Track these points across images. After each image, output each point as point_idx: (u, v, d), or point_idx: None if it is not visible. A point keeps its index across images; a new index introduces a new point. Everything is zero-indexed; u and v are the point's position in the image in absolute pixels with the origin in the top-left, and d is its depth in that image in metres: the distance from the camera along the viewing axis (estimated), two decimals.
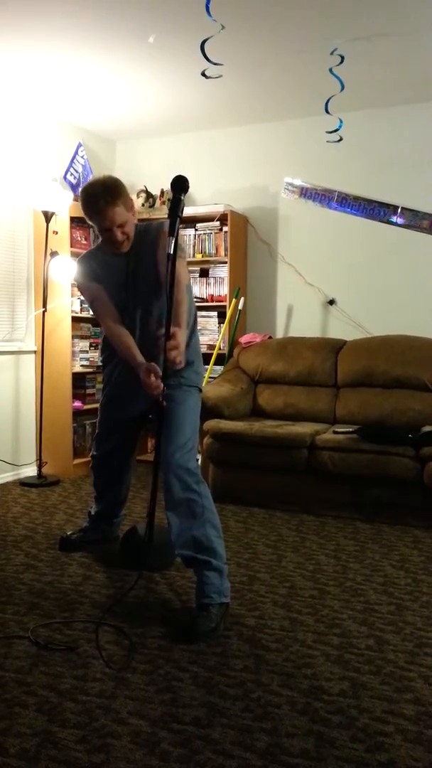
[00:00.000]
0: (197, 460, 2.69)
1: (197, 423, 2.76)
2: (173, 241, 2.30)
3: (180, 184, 2.33)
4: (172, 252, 2.30)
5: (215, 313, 5.09)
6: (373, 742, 1.77)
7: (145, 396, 2.65)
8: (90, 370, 4.94)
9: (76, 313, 4.77)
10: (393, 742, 1.78)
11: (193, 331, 2.78)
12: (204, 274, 5.16)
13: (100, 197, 2.50)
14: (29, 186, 4.56)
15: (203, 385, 2.91)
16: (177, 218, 2.30)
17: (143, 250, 2.66)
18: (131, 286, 2.69)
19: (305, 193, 4.98)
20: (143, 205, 5.07)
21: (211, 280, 5.11)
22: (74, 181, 4.95)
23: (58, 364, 4.65)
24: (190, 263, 5.05)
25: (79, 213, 4.68)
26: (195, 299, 5.05)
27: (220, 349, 4.95)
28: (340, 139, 4.31)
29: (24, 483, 4.47)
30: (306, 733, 1.81)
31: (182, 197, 2.35)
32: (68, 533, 3.30)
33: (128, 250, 2.67)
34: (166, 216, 5.09)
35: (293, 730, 1.82)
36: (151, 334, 2.73)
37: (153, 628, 2.43)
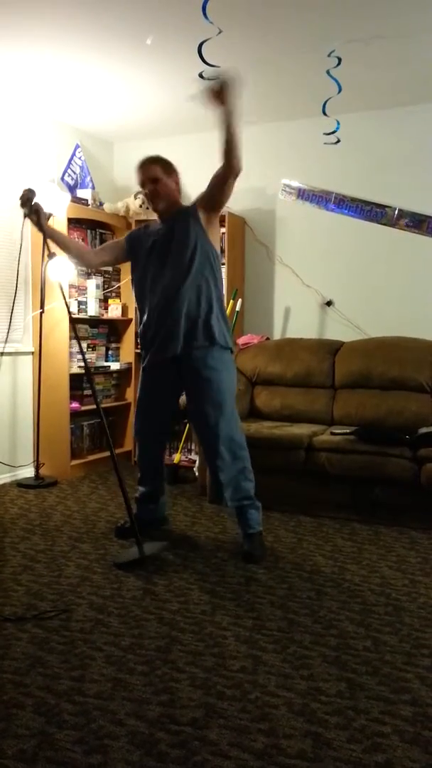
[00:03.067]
0: (239, 425, 3.21)
1: (234, 387, 3.22)
2: None
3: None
4: None
5: None
6: (370, 743, 1.77)
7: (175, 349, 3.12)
8: None
9: (74, 314, 4.77)
10: (390, 743, 1.78)
11: (218, 298, 3.17)
12: None
13: (145, 159, 3.20)
14: (27, 187, 4.55)
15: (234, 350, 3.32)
16: None
17: (177, 223, 3.14)
18: (160, 251, 3.16)
19: (302, 194, 4.98)
20: (141, 206, 5.07)
21: None
22: (72, 183, 4.95)
23: (56, 366, 4.65)
24: None
25: (77, 214, 4.72)
26: None
27: None
28: (338, 141, 4.32)
29: (21, 484, 4.46)
30: (303, 734, 1.81)
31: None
32: (121, 523, 3.48)
33: (166, 223, 3.18)
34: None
35: (291, 731, 1.82)
36: (166, 292, 3.12)
37: (150, 629, 2.43)
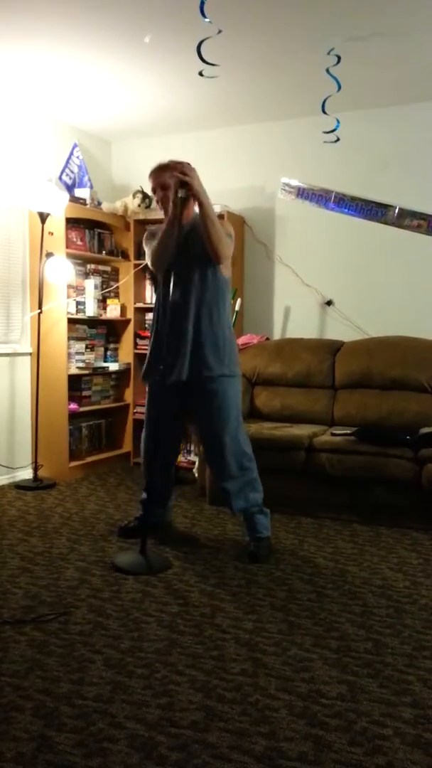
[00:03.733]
0: (246, 438, 3.24)
1: (240, 407, 3.22)
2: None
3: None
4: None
5: None
6: (371, 746, 1.76)
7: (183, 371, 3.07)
8: (86, 372, 4.92)
9: (72, 314, 4.75)
10: (391, 745, 1.76)
11: (227, 325, 3.15)
12: None
13: (157, 165, 3.13)
14: (24, 187, 4.55)
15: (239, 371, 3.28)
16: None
17: (191, 240, 3.07)
18: (182, 258, 3.05)
19: (302, 193, 4.97)
20: (139, 205, 5.06)
21: None
22: (69, 182, 4.94)
23: (54, 366, 4.63)
24: None
25: (75, 214, 4.70)
26: None
27: None
28: (337, 140, 4.31)
29: (19, 486, 4.44)
30: (304, 736, 1.80)
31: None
32: (125, 523, 3.50)
33: (183, 230, 3.03)
34: (162, 216, 5.08)
35: (291, 734, 1.81)
36: (174, 312, 3.06)
37: (149, 631, 2.41)
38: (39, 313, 4.51)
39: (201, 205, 2.91)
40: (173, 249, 3.00)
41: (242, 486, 3.16)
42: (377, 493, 3.73)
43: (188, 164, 2.90)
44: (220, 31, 3.30)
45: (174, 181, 2.90)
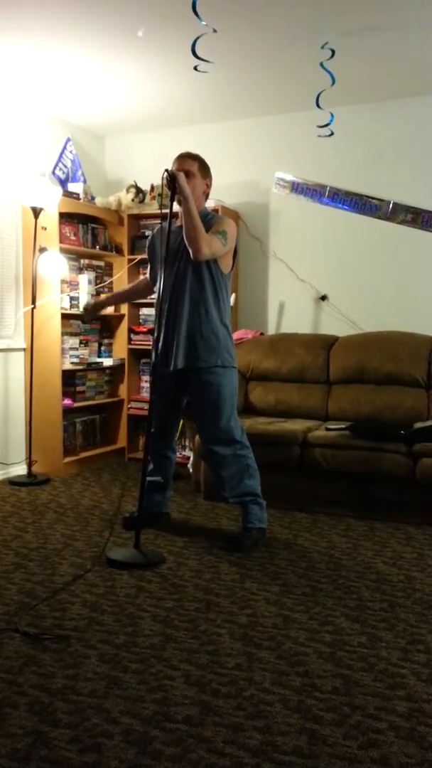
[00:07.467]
0: (240, 427, 3.29)
1: (235, 398, 3.28)
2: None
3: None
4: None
5: None
6: (365, 739, 1.76)
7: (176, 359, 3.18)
8: (80, 367, 4.90)
9: (66, 310, 4.74)
10: (386, 738, 1.77)
11: (223, 319, 3.22)
12: None
13: (186, 152, 3.23)
14: (17, 181, 4.52)
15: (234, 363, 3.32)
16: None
17: None
18: (171, 254, 3.19)
19: (296, 188, 4.96)
20: (133, 200, 5.04)
21: None
22: (63, 177, 4.92)
23: (48, 362, 4.62)
24: None
25: (68, 209, 4.68)
26: None
27: None
28: (331, 134, 4.30)
29: (13, 482, 4.44)
30: (299, 730, 1.80)
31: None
32: (128, 514, 3.56)
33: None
34: (156, 210, 5.08)
35: (286, 728, 1.81)
36: (171, 301, 3.19)
37: (144, 626, 2.41)
38: (32, 309, 4.50)
39: (184, 200, 3.03)
40: (165, 243, 3.13)
41: (236, 472, 3.23)
42: (367, 491, 3.73)
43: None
44: (215, 31, 3.30)
45: (165, 175, 3.01)
